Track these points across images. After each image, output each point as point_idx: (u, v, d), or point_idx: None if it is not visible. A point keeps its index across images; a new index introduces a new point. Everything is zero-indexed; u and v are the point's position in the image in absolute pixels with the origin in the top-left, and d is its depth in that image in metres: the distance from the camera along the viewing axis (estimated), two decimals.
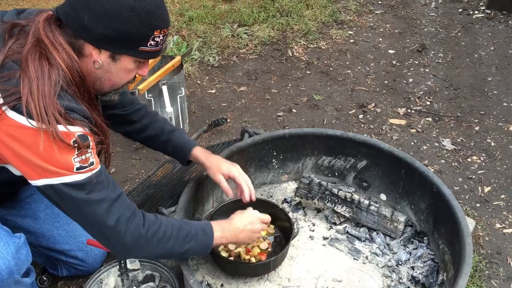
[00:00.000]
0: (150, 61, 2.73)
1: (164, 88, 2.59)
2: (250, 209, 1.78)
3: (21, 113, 1.20)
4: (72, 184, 1.28)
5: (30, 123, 1.20)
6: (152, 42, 1.34)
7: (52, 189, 1.28)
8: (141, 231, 1.40)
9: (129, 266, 1.76)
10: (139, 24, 1.29)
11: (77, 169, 1.27)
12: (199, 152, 1.86)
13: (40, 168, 1.25)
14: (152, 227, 1.43)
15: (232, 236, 1.65)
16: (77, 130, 1.26)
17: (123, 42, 1.31)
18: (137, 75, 1.47)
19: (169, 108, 2.57)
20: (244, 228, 1.67)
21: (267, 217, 1.80)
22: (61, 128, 1.22)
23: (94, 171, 1.31)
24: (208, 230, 1.57)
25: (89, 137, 1.29)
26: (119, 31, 1.28)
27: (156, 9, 1.31)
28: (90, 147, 1.30)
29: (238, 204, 2.05)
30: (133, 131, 1.88)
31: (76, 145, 1.25)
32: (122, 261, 1.67)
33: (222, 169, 1.81)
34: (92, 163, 1.30)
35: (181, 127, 2.81)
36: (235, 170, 1.83)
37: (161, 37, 1.35)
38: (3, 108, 1.20)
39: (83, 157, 1.28)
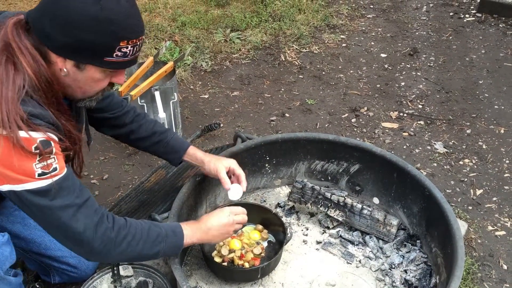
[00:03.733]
0: (143, 66, 2.75)
1: (157, 94, 2.59)
2: (226, 208, 1.79)
3: None
4: (34, 190, 1.26)
5: None
6: (119, 53, 1.28)
7: (15, 195, 1.27)
8: (110, 235, 1.39)
9: (122, 272, 1.75)
10: (102, 34, 1.23)
11: (39, 175, 1.25)
12: (196, 150, 1.91)
13: (2, 174, 1.23)
14: (121, 231, 1.42)
15: (203, 234, 1.65)
16: (39, 136, 1.23)
17: (85, 52, 1.26)
18: (116, 83, 1.43)
19: (162, 114, 2.57)
20: (213, 225, 1.67)
21: (240, 210, 1.82)
22: (22, 134, 1.20)
23: (57, 177, 1.29)
24: (178, 231, 1.57)
25: (51, 143, 1.26)
26: (80, 41, 1.23)
27: (123, 19, 1.25)
28: (53, 153, 1.27)
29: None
30: (123, 133, 1.87)
31: (38, 151, 1.23)
32: (115, 268, 1.66)
33: (223, 161, 1.88)
34: (55, 169, 1.28)
35: None
36: (234, 163, 1.90)
37: (129, 48, 1.28)
38: None
39: (45, 163, 1.26)
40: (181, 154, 1.89)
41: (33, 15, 1.27)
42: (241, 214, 1.80)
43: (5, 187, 1.26)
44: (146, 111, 2.65)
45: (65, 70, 1.29)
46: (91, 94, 1.41)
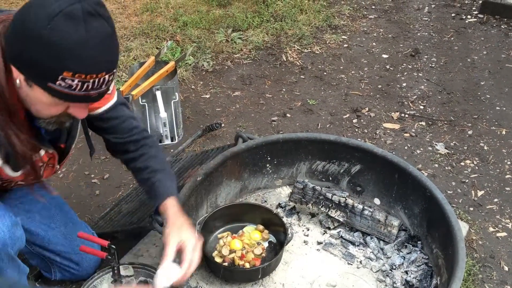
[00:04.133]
0: (144, 66, 2.75)
1: (158, 94, 2.59)
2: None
3: None
4: None
5: None
6: (62, 83, 1.13)
7: None
8: None
9: (122, 272, 1.75)
10: (44, 55, 1.11)
11: None
12: (171, 206, 1.59)
13: None
14: None
15: None
16: None
17: (29, 70, 1.15)
18: (75, 116, 1.30)
19: (163, 114, 2.58)
20: None
21: None
22: None
23: None
24: None
25: None
26: (25, 56, 1.13)
27: (73, 47, 1.10)
28: None
29: (231, 210, 2.07)
30: (121, 158, 1.72)
31: None
32: (116, 268, 1.66)
33: (181, 235, 1.50)
34: None
35: (175, 132, 2.81)
36: (190, 245, 1.49)
37: (76, 81, 1.13)
38: None
39: None
40: (156, 203, 1.61)
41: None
42: None
43: None
44: (147, 111, 2.65)
45: (17, 81, 1.19)
46: (45, 117, 1.29)
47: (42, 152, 1.45)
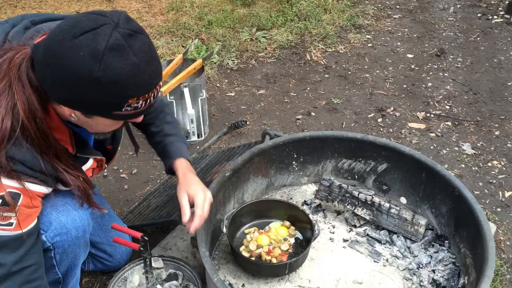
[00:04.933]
0: (172, 64, 2.79)
1: (186, 91, 2.63)
2: None
3: None
4: None
5: None
6: (129, 108, 1.16)
7: None
8: None
9: (153, 264, 1.79)
10: (105, 95, 1.11)
11: None
12: (179, 165, 1.65)
13: None
14: None
15: None
16: (11, 185, 1.19)
17: (91, 109, 1.17)
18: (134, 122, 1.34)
19: (190, 110, 2.61)
20: None
21: None
22: None
23: (7, 233, 1.23)
24: None
25: (21, 196, 1.21)
26: (83, 100, 1.14)
27: (128, 78, 1.10)
28: (15, 208, 1.21)
29: (258, 206, 2.09)
30: (143, 126, 1.76)
31: (0, 200, 1.18)
32: (148, 259, 1.70)
33: (189, 190, 1.57)
34: (9, 224, 1.22)
35: (202, 129, 2.84)
36: (200, 197, 1.55)
37: (141, 102, 1.16)
38: None
39: (3, 214, 1.20)
40: (167, 163, 1.68)
41: (37, 57, 1.15)
42: None
43: None
44: (175, 108, 2.69)
45: (73, 116, 1.21)
46: (105, 133, 1.36)
47: (91, 161, 1.48)
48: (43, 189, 1.29)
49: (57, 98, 1.17)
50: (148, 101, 1.19)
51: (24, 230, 1.25)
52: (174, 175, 1.67)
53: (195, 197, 1.54)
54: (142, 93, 1.15)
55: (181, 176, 1.62)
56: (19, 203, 1.21)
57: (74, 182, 1.31)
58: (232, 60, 3.70)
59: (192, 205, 1.55)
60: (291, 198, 2.30)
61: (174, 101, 2.68)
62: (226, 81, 3.49)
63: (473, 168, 2.66)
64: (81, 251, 1.54)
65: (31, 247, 1.30)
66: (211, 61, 3.63)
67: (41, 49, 1.13)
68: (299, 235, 2.04)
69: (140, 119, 1.30)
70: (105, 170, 2.59)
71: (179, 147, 1.70)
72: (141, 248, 1.65)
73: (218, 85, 3.44)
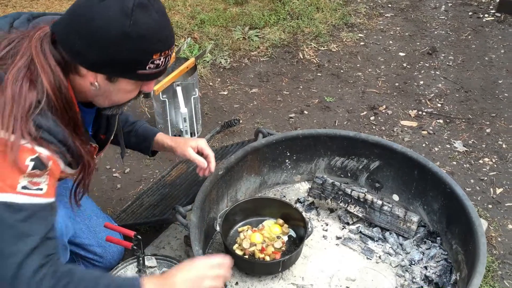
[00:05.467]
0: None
1: (179, 89, 2.63)
2: (200, 260, 1.42)
3: None
4: (7, 203, 1.15)
5: None
6: (152, 65, 1.26)
7: None
8: (48, 284, 1.18)
9: (146, 263, 1.79)
10: (134, 50, 1.21)
11: (22, 187, 1.16)
12: (164, 137, 1.82)
13: None
14: (63, 279, 1.20)
15: None
16: (40, 150, 1.18)
17: (118, 67, 1.24)
18: (145, 91, 1.41)
19: (183, 109, 2.61)
20: (181, 280, 1.33)
21: (220, 261, 1.44)
22: (23, 142, 1.14)
23: (38, 200, 1.19)
24: (135, 283, 1.28)
25: (51, 162, 1.21)
26: (113, 58, 1.21)
27: (154, 33, 1.22)
28: (47, 173, 1.20)
29: (252, 204, 2.09)
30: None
31: (32, 163, 1.16)
32: (141, 258, 1.70)
33: (191, 143, 1.78)
34: (39, 189, 1.19)
35: (195, 128, 2.84)
36: (203, 142, 1.81)
37: (162, 59, 1.27)
38: None
39: (33, 179, 1.18)
40: (150, 143, 1.82)
41: (60, 30, 1.23)
42: (221, 265, 1.43)
43: None
44: (167, 106, 2.69)
45: (96, 83, 1.27)
46: (120, 104, 1.39)
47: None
48: (61, 164, 1.28)
49: (86, 62, 1.23)
50: (166, 59, 1.29)
51: (52, 200, 1.24)
52: (155, 155, 1.86)
53: (199, 145, 1.78)
54: (164, 48, 1.26)
55: (171, 143, 1.79)
56: (49, 167, 1.21)
57: (86, 157, 1.34)
58: (224, 59, 3.70)
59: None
60: (284, 196, 2.31)
61: (166, 100, 2.67)
62: (219, 80, 3.49)
63: (465, 165, 2.68)
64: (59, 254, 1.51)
65: (53, 219, 1.26)
66: (204, 60, 3.62)
67: (63, 21, 1.23)
68: (292, 233, 2.05)
69: (152, 86, 1.38)
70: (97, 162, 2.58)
71: (151, 128, 1.86)
72: (134, 247, 1.65)
73: (211, 84, 3.44)
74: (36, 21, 1.34)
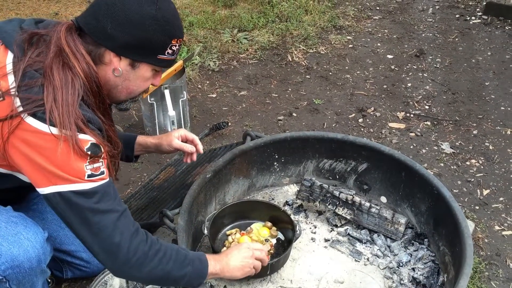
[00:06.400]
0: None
1: (167, 92, 2.62)
2: (247, 243, 1.76)
3: (39, 119, 1.21)
4: (81, 192, 1.27)
5: (50, 130, 1.21)
6: (169, 51, 1.40)
7: (60, 196, 1.27)
8: (144, 248, 1.38)
9: None
10: (159, 32, 1.34)
11: (88, 176, 1.28)
12: (144, 137, 1.89)
13: (52, 175, 1.25)
14: (154, 245, 1.41)
15: (224, 266, 1.60)
16: (91, 139, 1.28)
17: (143, 50, 1.36)
18: (153, 84, 1.52)
19: (171, 112, 2.60)
20: (234, 257, 1.64)
21: (260, 246, 1.78)
22: (80, 136, 1.25)
23: (103, 181, 1.32)
24: (203, 259, 1.54)
25: (102, 147, 1.31)
26: (141, 39, 1.33)
27: (174, 19, 1.37)
28: (102, 157, 1.31)
29: (240, 207, 2.09)
30: None
31: (89, 152, 1.27)
32: None
33: (173, 134, 1.85)
34: (102, 173, 1.31)
35: None
36: (184, 130, 1.89)
37: (177, 46, 1.41)
38: (22, 115, 1.21)
39: (95, 165, 1.29)
40: (132, 146, 1.86)
41: (87, 20, 1.34)
42: (261, 250, 1.74)
43: (49, 189, 1.27)
44: (155, 109, 2.68)
45: (119, 69, 1.37)
46: (135, 95, 1.48)
47: None
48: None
49: (116, 45, 1.33)
50: (179, 47, 1.43)
51: (109, 177, 1.35)
52: (137, 160, 1.92)
53: (181, 133, 1.85)
54: (180, 35, 1.41)
55: (154, 140, 1.87)
56: (103, 151, 1.32)
57: (115, 138, 1.43)
58: (213, 62, 3.69)
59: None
60: (272, 199, 2.30)
61: (154, 103, 2.66)
62: (207, 82, 3.48)
63: (452, 167, 2.70)
64: (38, 279, 1.53)
65: (117, 191, 1.39)
66: (192, 63, 3.62)
67: (88, 13, 1.35)
68: (280, 236, 2.05)
69: (159, 80, 1.51)
70: None
71: (127, 133, 1.94)
72: None
73: (199, 86, 3.43)
74: (44, 23, 1.40)
